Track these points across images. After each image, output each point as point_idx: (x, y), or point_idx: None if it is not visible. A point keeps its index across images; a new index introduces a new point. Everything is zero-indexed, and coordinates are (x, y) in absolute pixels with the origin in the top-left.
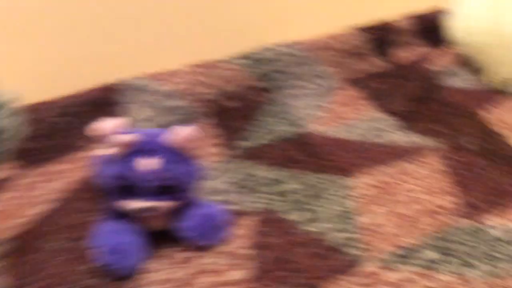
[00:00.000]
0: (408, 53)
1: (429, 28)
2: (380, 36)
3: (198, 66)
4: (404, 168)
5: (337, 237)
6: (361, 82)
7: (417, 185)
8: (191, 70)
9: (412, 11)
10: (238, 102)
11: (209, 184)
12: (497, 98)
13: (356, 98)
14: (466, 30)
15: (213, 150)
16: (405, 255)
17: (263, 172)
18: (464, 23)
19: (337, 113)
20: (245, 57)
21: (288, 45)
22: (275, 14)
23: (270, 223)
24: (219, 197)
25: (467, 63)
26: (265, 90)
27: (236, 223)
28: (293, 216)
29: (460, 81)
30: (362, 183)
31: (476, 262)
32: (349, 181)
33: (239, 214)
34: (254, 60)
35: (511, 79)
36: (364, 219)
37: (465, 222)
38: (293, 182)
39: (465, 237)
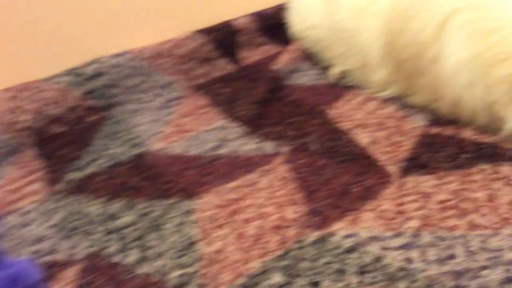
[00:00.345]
0: (253, 53)
1: (273, 26)
2: (223, 38)
3: (10, 89)
4: (249, 179)
5: (177, 276)
6: (204, 88)
7: (262, 198)
8: (2, 96)
9: (254, 9)
10: (64, 126)
11: (21, 232)
12: (342, 93)
13: (199, 106)
14: (304, 25)
15: (32, 188)
16: (249, 285)
17: (90, 207)
18: (302, 18)
19: (179, 126)
20: (68, 73)
21: (117, 56)
22: (105, 23)
23: (97, 270)
24: (33, 248)
25: (312, 59)
26: (97, 109)
27: (53, 277)
28: (126, 258)
29: (306, 78)
30: (205, 204)
31: (324, 280)
32: (191, 204)
33: (58, 265)
34: (78, 76)
35: (348, 72)
36: (207, 248)
37: (312, 235)
38: (127, 214)
39: (312, 251)
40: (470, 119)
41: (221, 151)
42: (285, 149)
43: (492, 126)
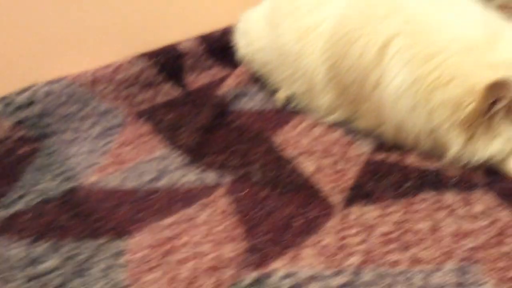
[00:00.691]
0: (200, 76)
1: (220, 49)
2: (167, 61)
3: None
4: (186, 214)
5: None
6: (147, 114)
7: (199, 235)
8: None
9: (200, 31)
10: None
11: None
12: (289, 118)
13: (140, 134)
14: (251, 48)
15: None
16: None
17: (12, 250)
18: (248, 41)
19: (117, 156)
20: None
21: (52, 83)
22: (38, 48)
23: None
24: None
25: (260, 83)
26: (29, 140)
27: None
28: None
29: (253, 103)
30: (136, 244)
31: None
32: (121, 245)
33: None
34: (8, 104)
35: (294, 96)
36: None
37: (249, 276)
38: (51, 258)
39: None
40: (414, 145)
41: (160, 183)
42: (227, 179)
43: (436, 152)
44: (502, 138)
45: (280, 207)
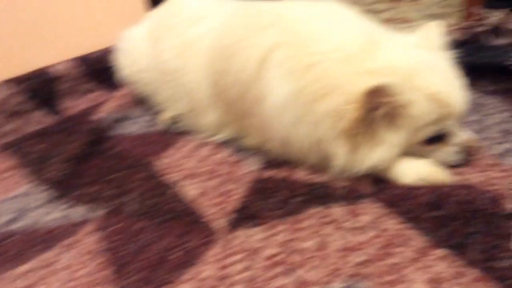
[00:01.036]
0: (78, 101)
1: (100, 70)
2: (38, 87)
3: None
4: (45, 259)
5: None
6: (13, 147)
7: (58, 282)
8: None
9: (77, 53)
10: None
11: None
12: (173, 140)
13: (3, 169)
14: (132, 68)
15: None
16: None
17: None
18: (130, 61)
19: None
20: None
21: None
22: None
23: None
24: None
25: (143, 105)
26: None
27: None
28: None
29: (136, 126)
30: None
31: None
32: None
33: None
34: None
35: (179, 116)
36: None
37: None
38: None
39: None
40: (301, 159)
41: (18, 225)
42: (98, 213)
43: (323, 164)
44: (386, 145)
45: (157, 240)
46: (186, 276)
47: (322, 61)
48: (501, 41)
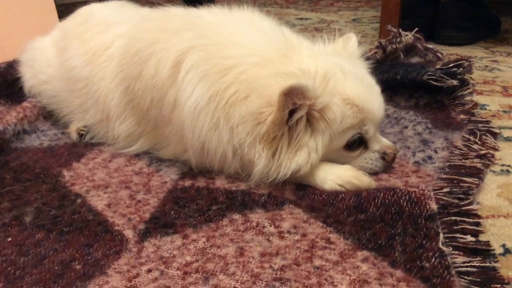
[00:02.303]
0: None
1: (3, 83)
2: None
3: None
4: None
5: None
6: None
7: None
8: None
9: None
10: None
11: None
12: (84, 152)
13: None
14: (38, 79)
15: None
16: None
17: None
18: (35, 72)
19: None
20: None
21: None
22: None
23: None
24: None
25: (51, 118)
26: None
27: None
28: None
29: (43, 138)
30: None
31: None
32: None
33: None
34: None
35: (89, 127)
36: None
37: None
38: None
39: None
40: (221, 167)
41: None
42: None
43: (244, 171)
44: (306, 150)
45: (59, 251)
46: (91, 286)
47: (237, 65)
48: (413, 59)
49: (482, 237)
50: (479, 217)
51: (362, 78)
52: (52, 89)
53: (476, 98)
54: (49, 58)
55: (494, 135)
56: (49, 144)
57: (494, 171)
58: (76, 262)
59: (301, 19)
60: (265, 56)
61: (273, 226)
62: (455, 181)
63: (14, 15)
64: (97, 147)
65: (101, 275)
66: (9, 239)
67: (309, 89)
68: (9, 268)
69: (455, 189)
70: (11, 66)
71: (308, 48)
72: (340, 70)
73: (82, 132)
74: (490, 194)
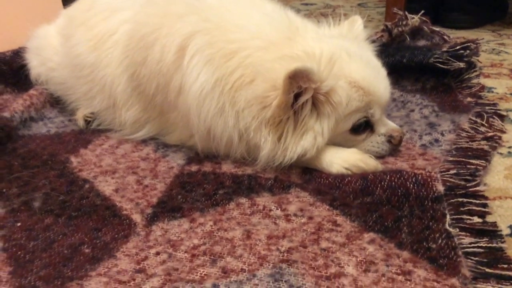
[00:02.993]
0: None
1: (9, 71)
2: None
3: None
4: None
5: None
6: None
7: None
8: None
9: None
10: None
11: None
12: (91, 138)
13: None
14: (45, 66)
15: None
16: None
17: None
18: (42, 59)
19: None
20: None
21: None
22: None
23: None
24: None
25: (58, 105)
26: None
27: None
28: None
29: (50, 125)
30: None
31: None
32: None
33: None
34: None
35: (96, 114)
36: None
37: None
38: None
39: None
40: (227, 152)
41: None
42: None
43: (250, 156)
44: (312, 133)
45: (68, 235)
46: (100, 268)
47: (242, 49)
48: (420, 42)
49: (489, 218)
50: (486, 198)
51: (368, 60)
52: (59, 77)
53: (483, 81)
54: (54, 47)
55: (501, 117)
56: (56, 131)
57: (501, 153)
58: (85, 246)
59: (306, 4)
60: (270, 40)
61: (279, 209)
62: (462, 163)
63: (19, 3)
64: (104, 133)
65: (110, 258)
66: (19, 224)
67: (314, 72)
68: (19, 252)
69: (462, 171)
70: (17, 54)
71: (313, 31)
72: (346, 52)
73: (89, 119)
74: (497, 176)
